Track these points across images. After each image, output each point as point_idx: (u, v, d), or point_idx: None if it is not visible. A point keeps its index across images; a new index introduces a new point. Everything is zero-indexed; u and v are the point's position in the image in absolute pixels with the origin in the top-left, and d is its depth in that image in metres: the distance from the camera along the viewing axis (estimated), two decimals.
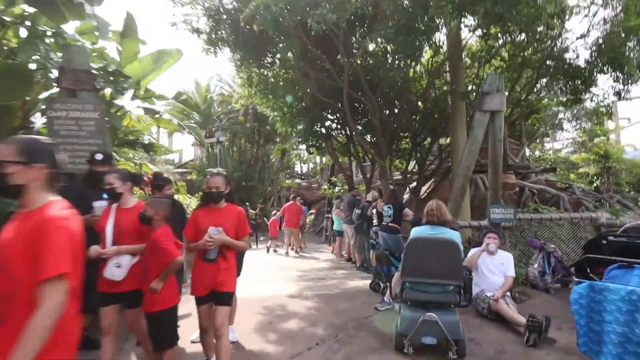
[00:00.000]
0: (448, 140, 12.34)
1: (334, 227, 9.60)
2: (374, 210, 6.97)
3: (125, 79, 4.21)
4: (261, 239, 15.20)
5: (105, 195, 2.97)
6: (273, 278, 7.03)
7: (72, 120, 3.80)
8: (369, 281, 5.96)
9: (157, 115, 5.11)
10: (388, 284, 4.81)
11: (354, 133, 10.05)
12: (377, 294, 5.52)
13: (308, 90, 8.91)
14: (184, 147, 48.02)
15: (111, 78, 4.14)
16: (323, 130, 11.32)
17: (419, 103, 10.29)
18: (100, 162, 3.26)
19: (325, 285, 6.25)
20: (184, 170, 23.31)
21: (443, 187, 11.30)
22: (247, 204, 14.69)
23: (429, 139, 11.04)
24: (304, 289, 5.97)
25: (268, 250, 11.85)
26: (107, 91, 4.60)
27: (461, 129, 8.47)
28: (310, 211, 19.83)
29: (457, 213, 6.33)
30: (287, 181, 25.24)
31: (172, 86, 23.91)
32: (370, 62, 9.06)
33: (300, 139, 11.09)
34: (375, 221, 6.93)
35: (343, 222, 8.59)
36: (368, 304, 5.06)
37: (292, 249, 11.16)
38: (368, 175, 11.95)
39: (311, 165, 38.04)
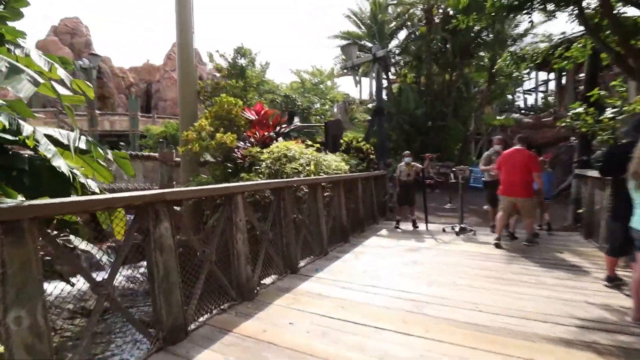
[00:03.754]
0: None
1: (635, 225, 2.87)
2: None
3: None
4: (446, 206, 9.62)
5: None
6: None
7: None
8: None
9: None
10: None
11: None
12: None
13: None
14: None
15: None
16: None
17: None
18: None
19: None
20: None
21: None
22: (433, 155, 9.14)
23: None
24: None
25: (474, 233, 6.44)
26: None
27: None
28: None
29: None
30: (498, 117, 17.53)
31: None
32: None
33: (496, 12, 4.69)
34: None
35: None
36: None
37: (499, 234, 5.38)
38: None
39: (540, 95, 27.11)
